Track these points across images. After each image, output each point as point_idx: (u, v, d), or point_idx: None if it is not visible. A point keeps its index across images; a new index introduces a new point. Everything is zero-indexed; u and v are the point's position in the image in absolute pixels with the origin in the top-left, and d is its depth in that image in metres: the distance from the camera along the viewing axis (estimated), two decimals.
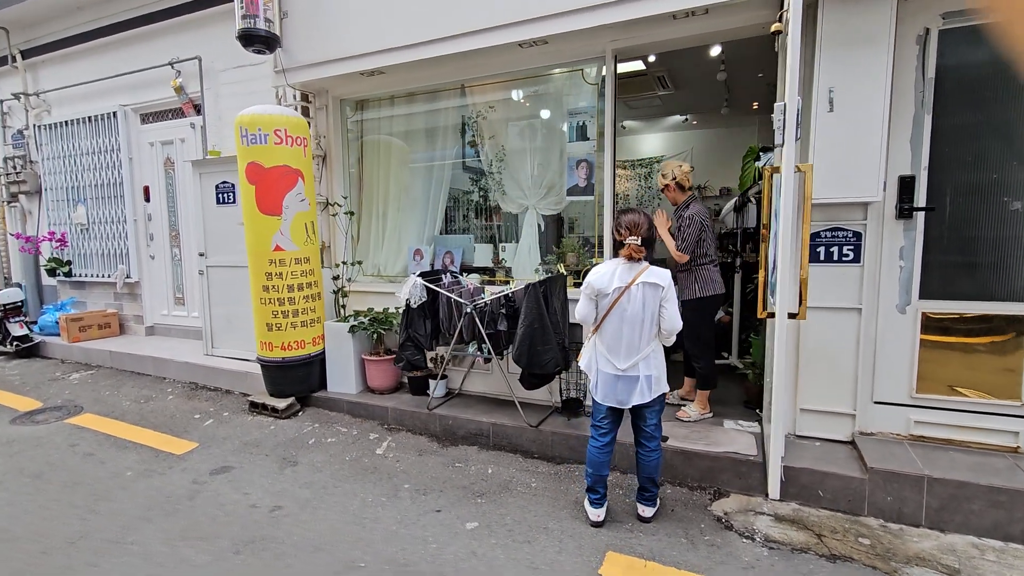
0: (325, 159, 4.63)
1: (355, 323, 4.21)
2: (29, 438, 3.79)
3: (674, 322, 2.57)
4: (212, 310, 5.07)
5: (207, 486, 3.13)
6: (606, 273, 2.54)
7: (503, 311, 3.42)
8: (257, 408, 4.26)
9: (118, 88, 5.86)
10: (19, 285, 6.73)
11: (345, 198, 4.44)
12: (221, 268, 4.95)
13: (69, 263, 6.44)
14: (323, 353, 4.35)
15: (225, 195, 4.83)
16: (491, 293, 3.66)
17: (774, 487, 2.53)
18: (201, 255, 5.03)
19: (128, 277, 6.02)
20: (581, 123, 3.70)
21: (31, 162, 6.60)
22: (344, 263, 4.34)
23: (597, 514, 2.67)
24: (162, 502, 2.95)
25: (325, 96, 4.58)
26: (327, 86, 4.48)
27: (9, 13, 6.02)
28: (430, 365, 4.19)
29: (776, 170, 2.39)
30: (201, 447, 3.66)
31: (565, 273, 3.51)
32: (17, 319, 5.78)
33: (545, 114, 4.06)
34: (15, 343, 5.77)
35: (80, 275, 6.46)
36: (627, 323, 2.52)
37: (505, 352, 3.62)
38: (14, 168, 6.65)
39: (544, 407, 3.76)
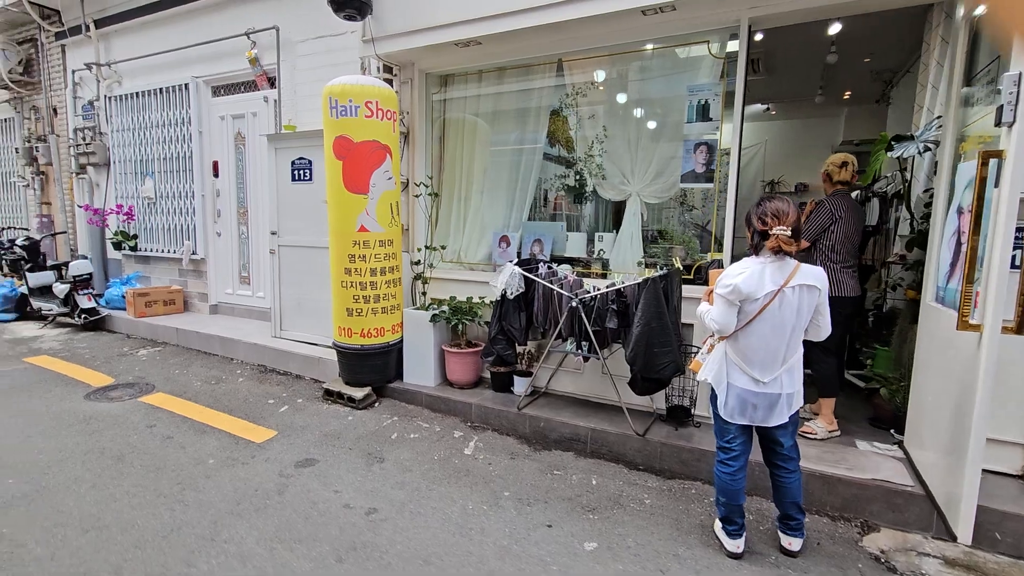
0: (407, 136, 4.37)
1: (437, 312, 3.96)
2: (106, 416, 3.68)
3: (826, 332, 2.22)
4: (282, 291, 4.90)
5: (294, 480, 2.93)
6: (754, 273, 2.16)
7: (613, 307, 3.11)
8: (332, 396, 4.07)
9: (190, 59, 5.73)
10: (85, 257, 6.74)
11: (431, 178, 4.16)
12: (293, 248, 4.77)
13: (135, 237, 6.40)
14: (401, 342, 4.13)
15: (301, 172, 4.63)
16: (595, 286, 3.35)
17: (965, 530, 2.16)
18: (273, 234, 4.85)
19: (194, 254, 5.92)
20: (703, 102, 3.33)
21: (100, 133, 6.56)
22: (427, 248, 4.08)
23: (736, 545, 2.35)
24: (250, 495, 2.76)
25: (411, 69, 4.30)
26: (414, 58, 4.20)
27: None
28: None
29: (994, 155, 1.99)
30: (280, 436, 3.48)
31: (681, 268, 3.16)
32: (85, 291, 5.75)
33: (658, 92, 3.69)
34: (83, 315, 5.75)
35: (145, 250, 6.42)
36: (775, 331, 2.17)
37: (607, 351, 3.31)
38: (84, 139, 6.63)
39: (644, 413, 3.45)
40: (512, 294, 3.40)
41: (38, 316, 6.35)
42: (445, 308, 4.04)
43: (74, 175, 6.89)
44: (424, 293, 4.16)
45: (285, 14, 4.98)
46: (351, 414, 3.86)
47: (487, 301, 4.02)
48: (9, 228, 7.22)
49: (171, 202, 6.10)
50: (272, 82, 5.25)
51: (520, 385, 3.86)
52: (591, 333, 3.15)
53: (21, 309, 6.38)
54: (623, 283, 3.14)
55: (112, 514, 2.55)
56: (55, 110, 7.04)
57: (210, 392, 4.18)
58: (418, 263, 4.21)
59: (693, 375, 2.70)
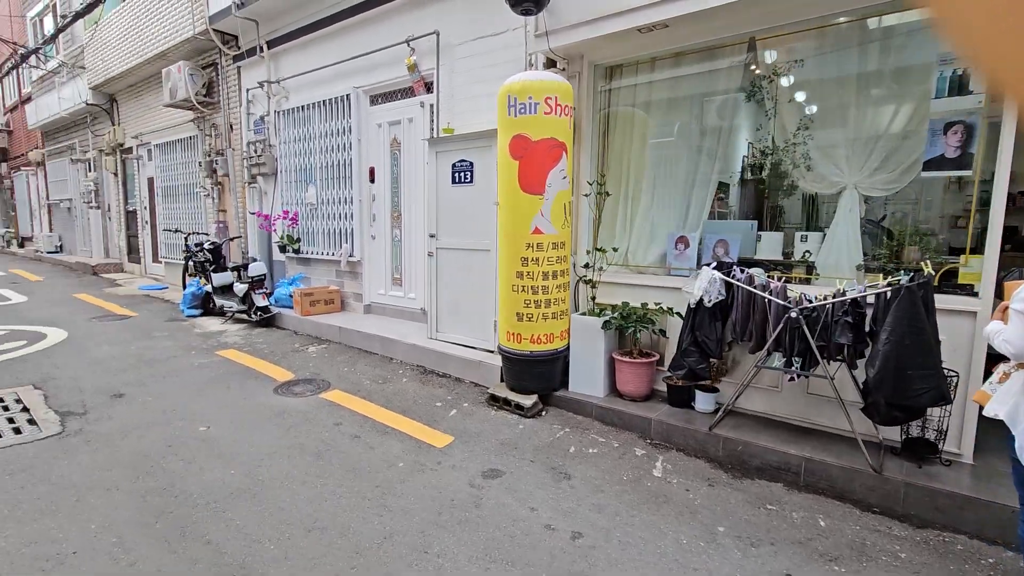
0: (575, 132, 4.17)
1: (610, 318, 3.72)
2: (295, 411, 3.88)
3: None
4: (439, 294, 4.94)
5: (486, 492, 2.83)
6: None
7: (847, 319, 2.65)
8: (498, 402, 3.98)
9: (350, 71, 6.01)
10: (255, 260, 7.39)
11: (604, 176, 3.94)
12: (452, 251, 4.78)
13: (298, 240, 6.88)
14: (567, 349, 3.94)
15: (462, 174, 4.62)
16: (807, 294, 2.91)
17: None
18: (431, 237, 4.91)
19: (351, 256, 6.23)
20: (959, 72, 2.75)
21: (269, 146, 7.14)
22: (596, 250, 3.86)
23: None
24: (448, 506, 2.69)
25: (579, 62, 4.10)
26: (584, 50, 4.00)
27: (260, 6, 6.47)
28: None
29: None
30: (458, 442, 3.43)
31: (932, 273, 2.63)
32: (260, 291, 6.26)
33: (889, 64, 3.14)
34: (258, 313, 6.27)
35: (306, 252, 6.88)
36: None
37: (832, 369, 2.85)
38: (255, 151, 7.26)
39: (870, 445, 2.94)
40: (711, 301, 3.06)
41: (219, 312, 7.05)
42: (615, 314, 3.79)
43: (246, 184, 7.59)
44: (593, 298, 3.94)
45: (445, 18, 5.02)
46: (520, 422, 3.74)
47: (664, 307, 3.70)
48: (193, 233, 8.13)
49: (330, 207, 6.47)
50: (429, 87, 5.33)
51: (704, 401, 3.51)
52: (815, 348, 2.73)
53: (205, 306, 7.12)
54: (861, 290, 2.67)
55: (326, 515, 2.60)
56: (231, 126, 7.81)
57: (380, 392, 4.29)
58: (586, 266, 4.00)
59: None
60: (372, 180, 6.07)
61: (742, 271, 3.27)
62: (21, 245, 17.72)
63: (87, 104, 10.74)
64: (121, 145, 10.84)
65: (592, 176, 4.19)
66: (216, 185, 8.19)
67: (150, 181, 10.23)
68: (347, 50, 5.96)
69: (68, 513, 2.56)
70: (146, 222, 10.52)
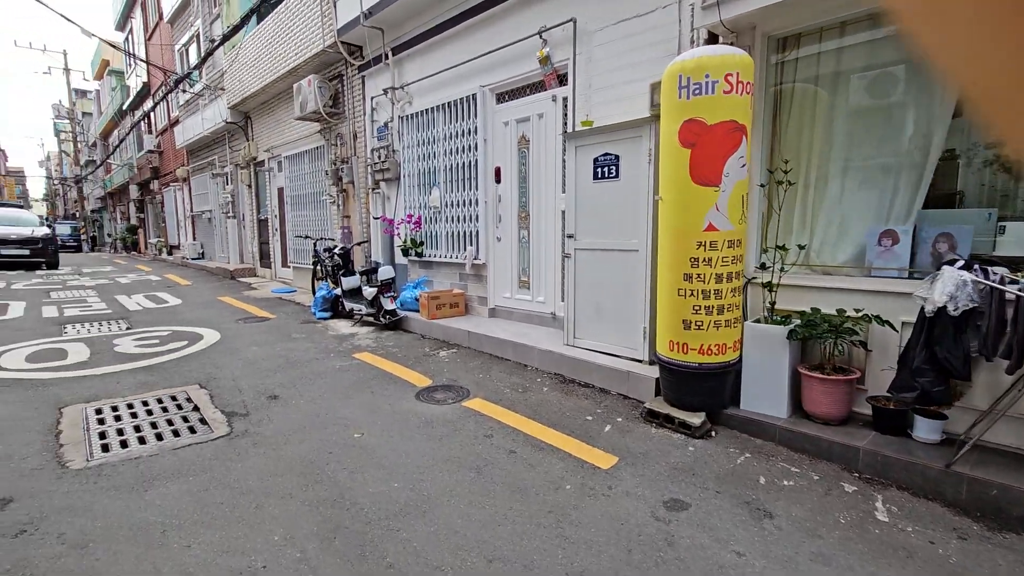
0: None
1: (797, 326, 3.20)
2: (441, 420, 3.74)
3: None
4: (577, 297, 4.64)
5: (676, 528, 2.46)
6: None
7: None
8: (657, 419, 3.59)
9: (475, 71, 5.91)
10: (377, 264, 7.56)
11: (786, 161, 3.42)
12: (592, 252, 4.46)
13: (422, 244, 6.92)
14: (739, 361, 3.47)
15: (606, 169, 4.28)
16: None
17: None
18: (569, 237, 4.62)
19: (476, 259, 6.12)
20: None
21: (393, 151, 7.27)
22: (779, 248, 3.35)
23: None
24: (635, 541, 2.35)
25: (749, 35, 3.62)
26: (757, 19, 3.51)
27: (387, 14, 6.57)
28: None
29: None
30: (624, 463, 3.09)
31: None
32: (388, 295, 6.34)
33: None
34: (387, 316, 6.35)
35: (429, 256, 6.90)
36: None
37: None
38: (379, 158, 7.43)
39: None
40: (957, 310, 2.47)
41: (347, 315, 7.28)
42: (798, 322, 3.26)
43: (370, 190, 7.79)
44: (772, 304, 3.42)
45: (582, 4, 4.72)
46: (689, 444, 3.33)
47: (868, 314, 3.11)
48: (321, 239, 8.52)
49: (454, 210, 6.42)
50: (562, 79, 5.06)
51: (929, 430, 2.89)
52: None
53: (334, 308, 7.38)
54: None
55: (504, 543, 2.36)
56: (356, 135, 8.07)
57: (523, 401, 4.06)
58: (762, 267, 3.50)
59: None
60: (498, 180, 5.91)
61: (984, 271, 2.63)
62: (170, 252, 19.98)
63: (226, 123, 11.75)
64: (254, 159, 11.73)
65: (760, 162, 3.68)
66: (341, 192, 8.52)
67: (280, 191, 10.95)
68: (472, 49, 5.86)
69: (251, 522, 2.54)
70: (276, 229, 11.28)
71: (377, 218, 7.67)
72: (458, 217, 6.38)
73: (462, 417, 3.80)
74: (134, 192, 24.26)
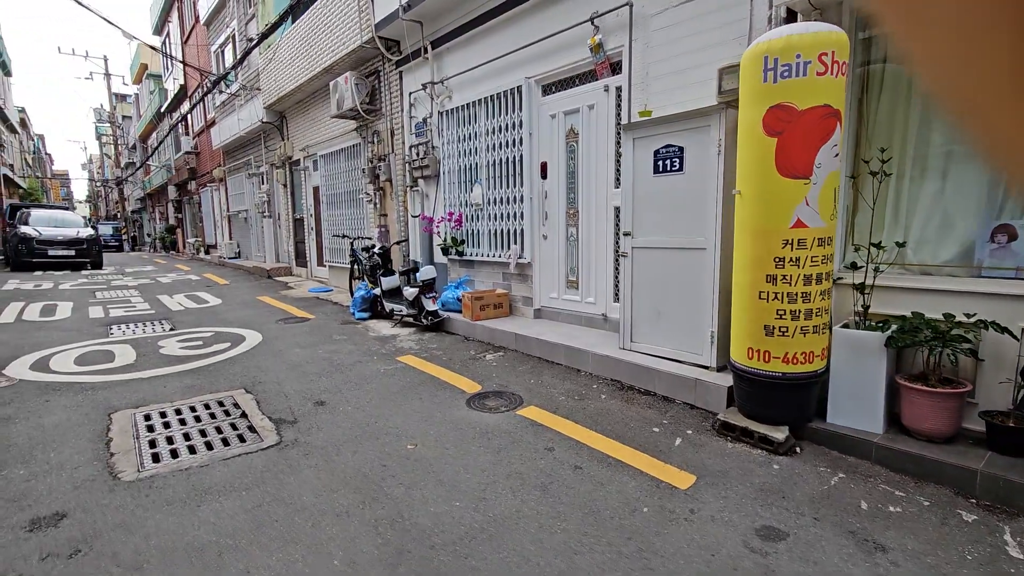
0: None
1: (895, 333, 2.87)
2: (497, 430, 3.54)
3: None
4: (635, 299, 4.37)
5: (776, 561, 2.19)
6: None
7: None
8: (732, 432, 3.31)
9: (520, 62, 5.67)
10: (416, 263, 7.42)
11: (883, 150, 3.08)
12: (652, 250, 4.18)
13: (462, 242, 6.73)
14: (827, 370, 3.16)
15: (668, 162, 4.00)
16: None
17: None
18: (626, 235, 4.35)
19: (521, 257, 5.90)
20: None
21: (433, 147, 7.09)
22: (874, 246, 3.02)
23: None
24: None
25: (836, 10, 3.29)
26: None
27: (426, 6, 6.39)
28: None
29: None
30: (703, 483, 2.83)
31: None
32: (430, 295, 6.17)
33: None
34: (429, 317, 6.19)
35: (470, 254, 6.71)
36: None
37: None
38: (417, 155, 7.27)
39: None
40: None
41: (387, 315, 7.16)
42: (895, 327, 2.93)
43: (408, 188, 7.65)
44: (866, 308, 3.10)
45: None
46: (773, 461, 3.04)
47: (978, 320, 2.77)
48: (358, 238, 8.43)
49: (497, 207, 6.21)
50: (615, 68, 4.78)
51: None
52: None
53: (373, 309, 7.27)
54: None
55: None
56: (393, 132, 7.94)
57: (581, 411, 3.82)
58: (852, 266, 3.17)
59: None
60: (544, 176, 5.67)
61: None
62: (207, 252, 20.37)
63: (262, 122, 11.80)
64: (290, 158, 11.76)
65: (847, 152, 3.35)
66: (378, 190, 8.40)
67: (315, 190, 10.94)
68: (517, 39, 5.62)
69: (308, 543, 2.37)
70: (311, 228, 11.28)
71: (415, 216, 7.52)
72: (501, 215, 6.17)
73: (518, 427, 3.58)
74: (172, 193, 24.86)
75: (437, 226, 6.90)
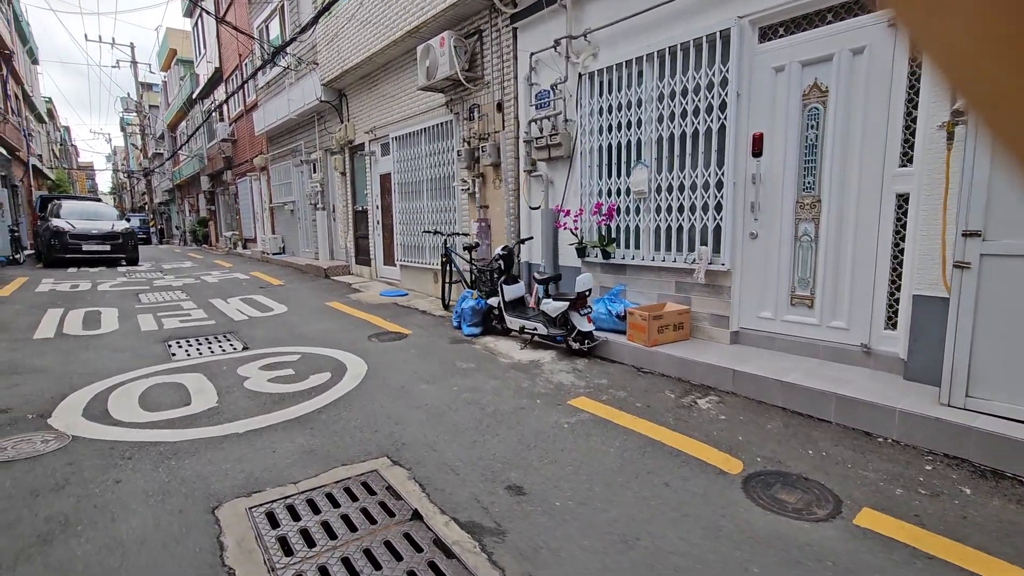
0: None
1: None
2: (841, 560, 2.09)
3: None
4: (979, 332, 2.89)
5: None
6: None
7: None
8: None
9: (711, 2, 4.18)
10: (545, 269, 5.99)
11: None
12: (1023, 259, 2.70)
13: (612, 241, 5.28)
14: None
15: None
16: None
17: None
18: (969, 235, 2.86)
19: (711, 263, 4.43)
20: None
21: (567, 121, 5.64)
22: None
23: None
24: None
25: None
26: None
27: None
28: None
29: None
30: None
31: None
32: (584, 311, 4.74)
33: None
34: (584, 340, 4.76)
35: (621, 258, 5.26)
36: None
37: None
38: (541, 131, 5.83)
39: None
40: None
41: (501, 332, 5.77)
42: None
43: (527, 173, 6.21)
44: None
45: None
46: None
47: None
48: (454, 234, 7.03)
49: (671, 197, 4.75)
50: None
51: None
52: None
53: (484, 323, 5.88)
54: None
55: None
56: (501, 104, 6.49)
57: (975, 529, 2.32)
58: None
59: None
60: (757, 153, 4.18)
61: None
62: (244, 246, 19.23)
63: (320, 101, 10.44)
64: (350, 142, 10.40)
65: None
66: (477, 177, 6.98)
67: (384, 178, 9.57)
68: None
69: None
70: (378, 222, 9.93)
71: (535, 208, 6.10)
72: (678, 206, 4.71)
73: (873, 554, 2.13)
74: (204, 183, 23.80)
75: (576, 220, 5.46)
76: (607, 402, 3.85)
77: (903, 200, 3.48)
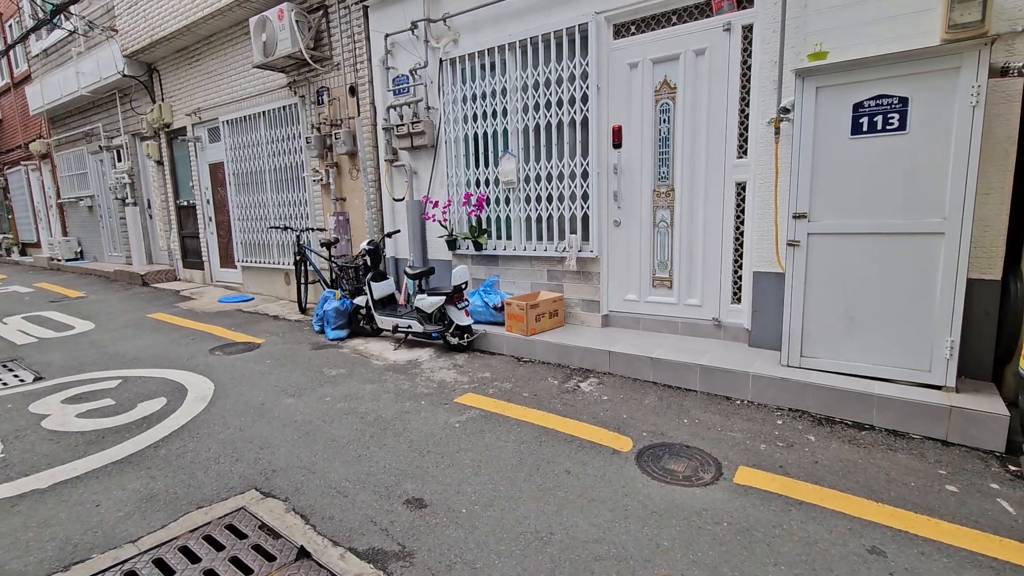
0: None
1: None
2: (737, 521, 2.27)
3: None
4: (810, 301, 3.37)
5: None
6: None
7: None
8: None
9: None
10: (418, 263, 5.69)
11: None
12: (845, 237, 3.20)
13: (483, 232, 5.19)
14: None
15: (880, 119, 3.02)
16: None
17: None
18: (798, 217, 3.31)
19: (582, 251, 4.59)
20: None
21: (428, 109, 5.39)
22: None
23: None
24: None
25: None
26: None
27: None
28: None
29: None
30: None
31: None
32: (462, 305, 4.59)
33: None
34: (463, 334, 4.61)
35: (492, 249, 5.21)
36: None
37: None
38: (401, 118, 5.52)
39: None
40: None
41: (371, 333, 5.38)
42: None
43: (387, 163, 5.83)
44: None
45: None
46: None
47: None
48: (307, 229, 6.36)
49: (540, 187, 4.80)
50: (740, 1, 3.67)
51: None
52: None
53: (352, 324, 5.43)
54: None
55: None
56: (355, 88, 6.00)
57: (826, 471, 2.67)
58: None
59: None
60: (617, 144, 4.40)
61: None
62: (23, 252, 15.52)
63: (123, 76, 8.72)
64: (167, 125, 8.89)
65: None
66: (331, 167, 6.40)
67: (215, 168, 8.34)
68: None
69: None
70: (211, 218, 8.64)
71: (399, 200, 5.77)
72: (547, 196, 4.78)
73: (767, 509, 2.37)
74: None
75: (444, 211, 5.26)
76: (494, 395, 3.77)
77: (742, 188, 3.93)
